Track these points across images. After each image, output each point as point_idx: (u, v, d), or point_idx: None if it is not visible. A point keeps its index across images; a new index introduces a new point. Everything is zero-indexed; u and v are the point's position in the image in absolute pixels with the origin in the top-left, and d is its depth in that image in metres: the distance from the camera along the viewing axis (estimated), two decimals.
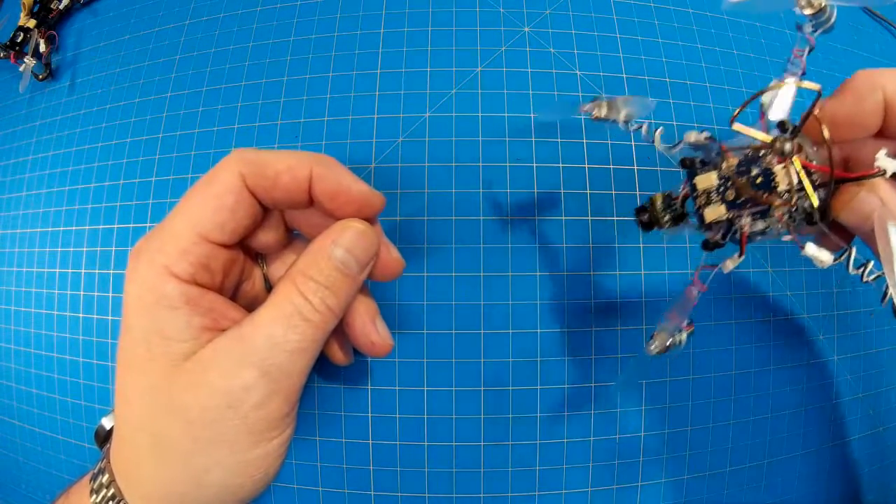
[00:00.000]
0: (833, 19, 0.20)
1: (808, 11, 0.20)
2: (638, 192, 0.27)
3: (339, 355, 0.23)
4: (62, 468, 0.30)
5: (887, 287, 0.17)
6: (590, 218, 0.27)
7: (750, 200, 0.19)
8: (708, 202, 0.20)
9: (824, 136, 0.18)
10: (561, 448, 0.26)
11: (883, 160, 0.17)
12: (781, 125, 0.20)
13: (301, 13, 0.31)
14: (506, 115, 0.28)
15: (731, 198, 0.19)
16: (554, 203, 0.27)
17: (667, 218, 0.21)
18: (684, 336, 0.21)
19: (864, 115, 0.18)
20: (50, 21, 0.35)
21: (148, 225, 0.29)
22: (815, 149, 0.19)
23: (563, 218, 0.27)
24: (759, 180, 0.19)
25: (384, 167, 0.28)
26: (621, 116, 0.22)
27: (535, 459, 0.26)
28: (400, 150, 0.28)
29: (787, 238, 0.20)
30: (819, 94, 0.18)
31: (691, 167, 0.20)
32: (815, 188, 0.18)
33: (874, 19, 0.35)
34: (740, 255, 0.20)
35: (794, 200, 0.19)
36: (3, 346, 0.32)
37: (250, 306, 0.22)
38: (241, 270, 0.22)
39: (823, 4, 0.19)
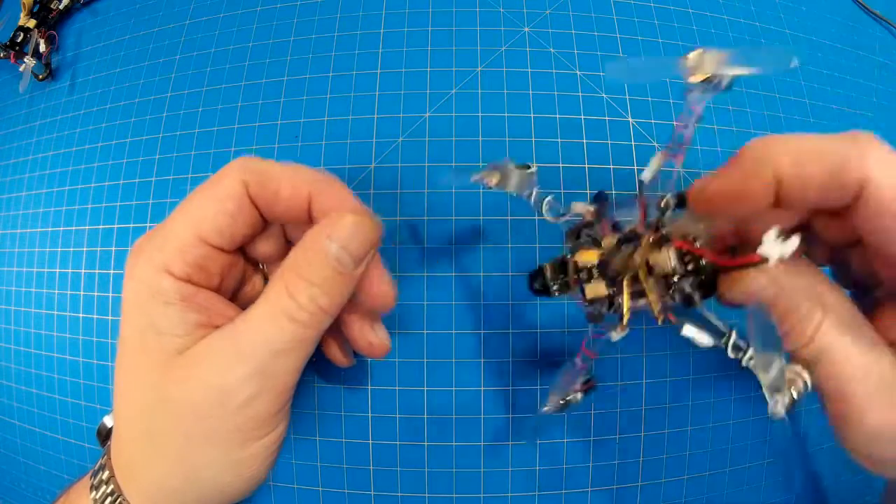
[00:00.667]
0: (725, 84, 0.17)
1: (695, 80, 0.17)
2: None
3: (339, 356, 0.23)
4: (62, 468, 0.30)
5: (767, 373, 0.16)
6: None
7: (628, 280, 0.19)
8: (589, 278, 0.20)
9: (707, 219, 0.17)
10: (561, 448, 0.26)
11: (768, 246, 0.15)
12: (661, 203, 0.19)
13: (301, 13, 0.31)
14: (506, 115, 0.28)
15: (611, 275, 0.19)
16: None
17: (555, 287, 0.21)
18: (579, 396, 0.21)
19: (753, 193, 0.16)
20: (50, 21, 0.35)
21: (148, 225, 0.29)
22: (702, 225, 0.19)
23: (564, 218, 0.27)
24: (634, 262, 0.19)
25: (384, 167, 0.28)
26: (511, 185, 0.21)
27: (535, 459, 0.26)
28: (400, 150, 0.28)
29: (662, 319, 0.19)
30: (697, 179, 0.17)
31: (574, 240, 0.20)
32: (695, 272, 0.18)
33: (874, 19, 0.35)
34: (623, 328, 0.20)
35: (670, 285, 0.19)
36: (3, 346, 0.32)
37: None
38: (241, 274, 0.22)
39: (714, 71, 0.17)
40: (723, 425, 0.27)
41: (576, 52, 0.30)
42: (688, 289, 0.18)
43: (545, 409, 0.21)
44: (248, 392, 0.18)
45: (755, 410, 0.27)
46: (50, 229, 0.31)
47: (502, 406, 0.26)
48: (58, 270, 0.30)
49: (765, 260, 0.15)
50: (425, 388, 0.26)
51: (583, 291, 0.20)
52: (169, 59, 0.32)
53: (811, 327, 0.16)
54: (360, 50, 0.30)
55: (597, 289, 0.19)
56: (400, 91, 0.29)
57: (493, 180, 0.21)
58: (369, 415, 0.26)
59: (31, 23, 0.34)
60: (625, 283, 0.19)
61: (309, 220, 0.20)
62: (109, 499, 0.19)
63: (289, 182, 0.19)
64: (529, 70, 0.29)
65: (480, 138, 0.28)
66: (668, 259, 0.18)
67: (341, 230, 0.18)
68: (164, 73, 0.32)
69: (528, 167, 0.22)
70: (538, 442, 0.26)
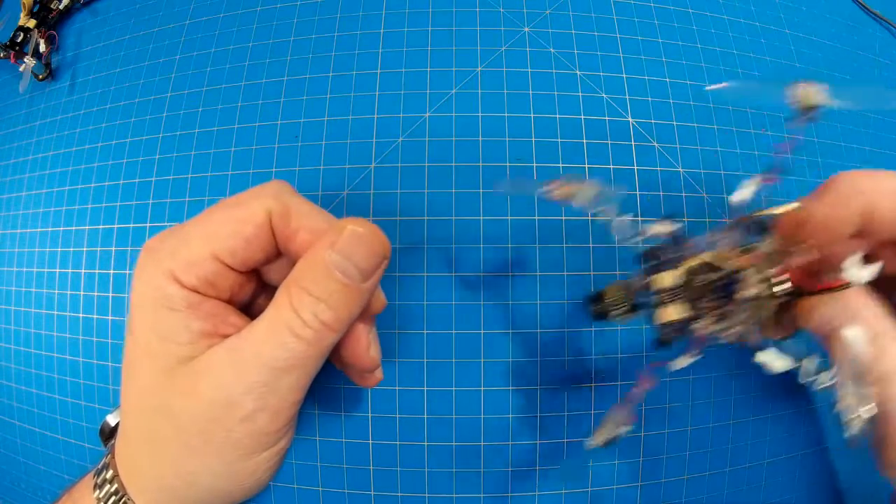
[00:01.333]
0: (817, 117, 0.19)
1: (802, 106, 0.18)
2: (638, 193, 0.27)
3: (360, 379, 0.23)
4: (62, 468, 0.30)
5: (842, 395, 0.17)
6: (589, 218, 0.27)
7: (708, 304, 0.19)
8: (666, 301, 0.19)
9: (809, 247, 0.17)
10: (561, 448, 0.26)
11: (852, 271, 0.16)
12: (755, 226, 0.19)
13: (301, 13, 0.31)
14: (506, 115, 0.28)
15: (688, 298, 0.19)
16: (554, 203, 0.27)
17: (616, 312, 0.20)
18: (625, 430, 0.20)
19: (844, 221, 0.18)
20: (50, 21, 0.35)
21: (148, 225, 0.29)
22: (778, 249, 0.19)
23: (563, 218, 0.27)
24: (720, 284, 0.19)
25: (384, 167, 0.28)
26: (585, 201, 0.20)
27: (535, 459, 0.26)
28: (400, 150, 0.28)
29: (742, 342, 0.19)
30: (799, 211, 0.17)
31: (651, 261, 0.20)
32: (779, 297, 0.18)
33: (874, 19, 0.35)
34: (696, 354, 0.19)
35: (755, 310, 0.18)
36: (3, 346, 0.32)
37: None
38: (253, 290, 0.22)
39: (821, 102, 0.18)
40: (723, 425, 0.27)
41: (576, 52, 0.30)
42: (768, 315, 0.18)
43: (594, 442, 0.20)
44: (248, 408, 0.17)
45: (755, 410, 0.27)
46: (50, 229, 0.31)
47: (503, 406, 0.26)
48: (58, 270, 0.30)
49: (849, 284, 0.16)
50: (425, 389, 0.26)
51: (655, 315, 0.19)
52: (169, 59, 0.32)
53: (876, 351, 0.17)
54: (360, 50, 0.30)
55: (672, 312, 0.19)
56: (400, 91, 0.29)
57: (566, 192, 0.20)
58: (369, 415, 0.26)
59: (31, 23, 0.34)
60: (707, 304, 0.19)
61: None
62: (113, 498, 0.19)
63: (310, 225, 0.19)
64: (529, 70, 0.29)
65: (480, 138, 0.28)
66: (756, 284, 0.18)
67: (344, 240, 0.17)
68: (164, 73, 0.32)
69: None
70: (539, 442, 0.26)
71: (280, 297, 0.18)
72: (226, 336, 0.18)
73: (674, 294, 0.19)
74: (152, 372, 0.18)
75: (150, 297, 0.18)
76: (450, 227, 0.27)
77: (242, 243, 0.19)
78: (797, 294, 0.18)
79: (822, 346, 0.19)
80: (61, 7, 0.35)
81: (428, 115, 0.28)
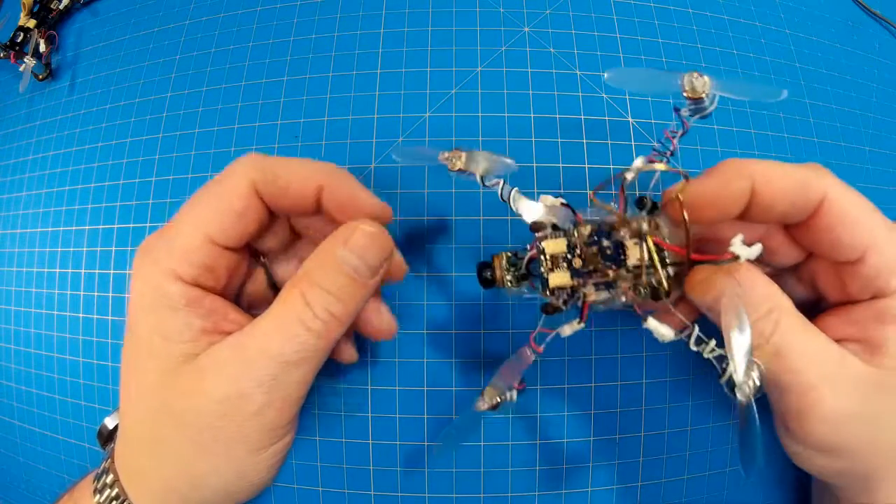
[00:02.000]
0: (710, 111, 0.20)
1: (689, 95, 0.19)
2: (637, 193, 0.27)
3: (344, 354, 0.23)
4: (62, 468, 0.30)
5: (725, 365, 0.18)
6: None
7: (596, 271, 0.19)
8: (554, 267, 0.20)
9: (683, 217, 0.18)
10: (561, 448, 0.26)
11: (738, 247, 0.17)
12: (640, 201, 0.20)
13: (301, 13, 0.31)
14: (506, 115, 0.28)
15: (577, 266, 0.20)
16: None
17: (509, 277, 0.21)
18: (514, 394, 0.21)
19: (729, 200, 0.18)
20: (50, 21, 0.35)
21: (148, 225, 0.29)
22: (670, 228, 0.19)
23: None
24: (608, 252, 0.20)
25: (384, 167, 0.28)
26: (479, 171, 0.21)
27: (535, 459, 0.26)
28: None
29: (628, 308, 0.20)
30: (686, 178, 0.18)
31: (541, 230, 0.20)
32: (665, 266, 0.19)
33: (874, 19, 0.35)
34: (580, 322, 0.20)
35: (642, 276, 0.19)
36: (3, 346, 0.32)
37: (253, 307, 0.22)
38: (245, 272, 0.22)
39: (706, 93, 0.19)
40: (723, 425, 0.27)
41: (576, 52, 0.30)
42: (657, 281, 0.19)
43: (480, 404, 0.20)
44: (257, 403, 0.17)
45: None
46: (50, 229, 0.31)
47: (503, 407, 0.26)
48: (58, 270, 0.30)
49: (736, 257, 0.17)
50: (425, 389, 0.26)
51: (545, 282, 0.20)
52: (169, 59, 0.32)
53: (770, 325, 0.18)
54: (360, 50, 0.30)
55: (562, 278, 0.20)
56: (400, 91, 0.29)
57: (459, 163, 0.21)
58: (369, 415, 0.26)
59: (31, 23, 0.34)
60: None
61: (318, 211, 0.20)
62: (115, 503, 0.19)
63: (298, 176, 0.19)
64: (529, 70, 0.29)
65: (480, 138, 0.28)
66: (643, 251, 0.19)
67: (358, 240, 0.18)
68: (164, 73, 0.32)
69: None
70: (539, 442, 0.26)
71: (289, 292, 0.18)
72: (227, 333, 0.18)
73: (562, 261, 0.20)
74: (156, 372, 0.18)
75: (150, 297, 0.18)
76: (450, 226, 0.27)
77: (234, 218, 0.19)
78: (681, 263, 0.19)
79: (713, 319, 0.19)
80: (61, 7, 0.35)
81: (428, 115, 0.28)
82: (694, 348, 0.19)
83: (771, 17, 0.33)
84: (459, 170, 0.21)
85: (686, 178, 0.18)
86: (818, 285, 0.21)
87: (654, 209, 0.20)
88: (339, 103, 0.29)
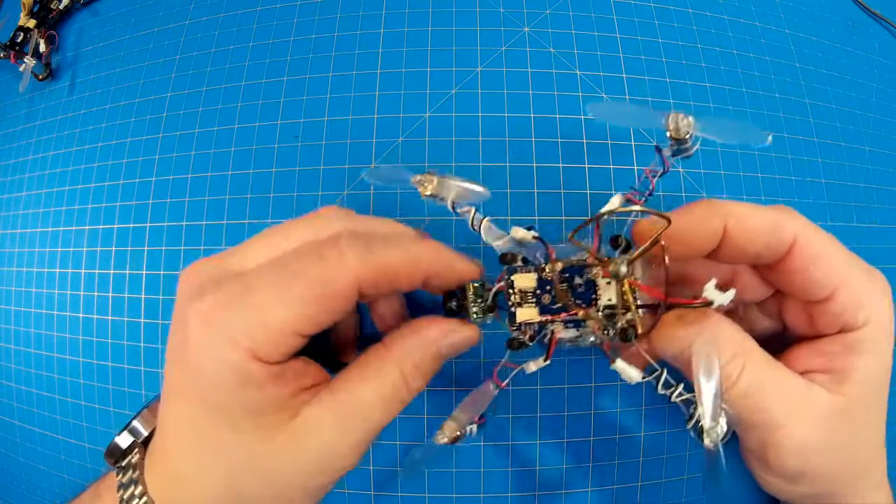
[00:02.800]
0: (693, 150, 0.20)
1: (672, 135, 0.19)
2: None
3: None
4: (62, 468, 0.30)
5: (693, 409, 0.18)
6: (590, 218, 0.27)
7: (565, 308, 0.19)
8: (522, 302, 0.20)
9: (664, 260, 0.18)
10: (561, 447, 0.26)
11: (711, 292, 0.17)
12: (615, 240, 0.20)
13: (301, 13, 0.31)
14: (506, 115, 0.28)
15: (546, 301, 0.20)
16: (554, 203, 0.27)
17: (475, 309, 0.21)
18: (475, 428, 0.21)
19: (701, 239, 0.19)
20: (50, 21, 0.35)
21: (148, 225, 0.29)
22: (643, 265, 0.20)
23: (563, 218, 0.27)
24: (580, 290, 0.20)
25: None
26: (450, 197, 0.21)
27: (535, 459, 0.26)
28: (400, 150, 0.28)
29: (596, 346, 0.20)
30: (668, 222, 0.18)
31: (511, 263, 0.20)
32: (637, 308, 0.19)
33: (874, 19, 0.35)
34: (546, 360, 0.20)
35: (615, 317, 0.19)
36: (3, 346, 0.32)
37: None
38: None
39: (688, 134, 0.19)
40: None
41: (576, 52, 0.30)
42: (627, 324, 0.19)
43: (440, 438, 0.20)
44: (349, 462, 0.19)
45: None
46: (50, 229, 0.31)
47: (503, 406, 0.26)
48: (58, 270, 0.30)
49: (710, 302, 0.17)
50: (425, 388, 0.26)
51: (512, 316, 0.20)
52: (169, 59, 0.32)
53: (737, 369, 0.19)
54: (360, 50, 0.30)
55: (530, 313, 0.20)
56: (400, 91, 0.29)
57: (429, 188, 0.20)
58: None
59: (31, 23, 0.34)
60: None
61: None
62: None
63: (407, 271, 0.18)
64: (529, 70, 0.29)
65: (480, 138, 0.28)
66: (619, 293, 0.19)
67: (458, 340, 0.20)
68: (164, 73, 0.32)
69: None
70: (539, 442, 0.26)
71: (389, 368, 0.19)
72: (307, 389, 0.19)
73: (531, 296, 0.20)
74: (244, 444, 0.18)
75: (229, 376, 0.17)
76: (450, 226, 0.27)
77: (329, 317, 0.18)
78: (656, 306, 0.19)
79: (677, 367, 0.20)
80: (61, 7, 0.35)
81: (428, 115, 0.28)
82: (661, 392, 0.20)
83: (771, 17, 0.33)
84: (430, 195, 0.21)
85: (668, 222, 0.18)
86: (785, 319, 0.22)
87: (627, 248, 0.20)
88: (339, 103, 0.29)
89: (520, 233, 0.20)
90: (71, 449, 0.30)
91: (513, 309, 0.20)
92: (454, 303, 0.21)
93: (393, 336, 0.20)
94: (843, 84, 0.32)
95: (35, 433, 0.31)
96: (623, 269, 0.18)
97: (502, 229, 0.21)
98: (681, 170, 0.28)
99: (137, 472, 0.20)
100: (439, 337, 0.20)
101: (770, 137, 0.19)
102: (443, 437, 0.20)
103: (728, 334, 0.19)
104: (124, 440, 0.23)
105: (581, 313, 0.19)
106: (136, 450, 0.22)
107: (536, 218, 0.27)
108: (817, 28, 0.33)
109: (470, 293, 0.21)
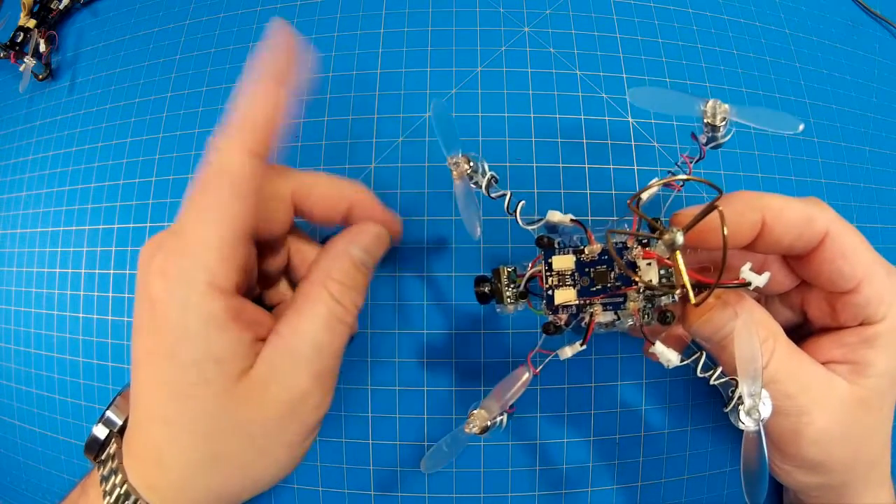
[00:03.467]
0: (725, 139, 0.20)
1: (707, 121, 0.19)
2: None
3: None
4: (62, 468, 0.30)
5: (732, 392, 0.18)
6: (589, 218, 0.27)
7: (604, 290, 0.19)
8: (560, 284, 0.19)
9: (723, 237, 0.17)
10: (561, 447, 0.26)
11: (748, 273, 0.17)
12: (652, 224, 0.19)
13: (301, 13, 0.31)
14: (506, 115, 0.28)
15: (584, 284, 0.19)
16: (554, 203, 0.27)
17: (509, 293, 0.20)
18: (505, 417, 0.20)
19: (742, 231, 0.19)
20: (50, 21, 0.35)
21: (148, 225, 0.29)
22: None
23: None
24: (618, 272, 0.19)
25: (384, 167, 0.28)
26: (484, 181, 0.21)
27: (535, 459, 0.26)
28: (400, 149, 0.28)
29: (635, 333, 0.20)
30: (720, 194, 0.17)
31: (549, 247, 0.20)
32: (671, 290, 0.18)
33: (874, 19, 0.35)
34: (583, 344, 0.20)
35: (655, 297, 0.19)
36: (3, 346, 0.32)
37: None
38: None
39: (724, 121, 0.19)
40: (722, 425, 0.27)
41: (576, 52, 0.30)
42: (666, 305, 0.19)
43: (471, 428, 0.19)
44: (316, 397, 0.19)
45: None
46: (50, 229, 0.31)
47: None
48: (58, 270, 0.30)
49: (748, 283, 0.17)
50: (425, 389, 0.26)
51: (550, 298, 0.19)
52: (169, 59, 0.32)
53: (766, 353, 0.19)
54: (360, 50, 0.30)
55: (568, 295, 0.19)
56: (400, 91, 0.29)
57: (463, 169, 0.20)
58: (369, 415, 0.26)
59: (31, 23, 0.34)
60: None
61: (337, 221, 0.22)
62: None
63: (331, 192, 0.21)
64: (529, 70, 0.29)
65: (480, 138, 0.28)
66: (655, 273, 0.19)
67: (367, 240, 0.21)
68: (164, 73, 0.32)
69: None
70: (539, 442, 0.26)
71: (314, 289, 0.19)
72: (262, 338, 0.19)
73: (569, 278, 0.19)
74: (211, 397, 0.18)
75: (194, 323, 0.17)
76: (449, 226, 0.27)
77: (252, 208, 0.18)
78: (694, 286, 0.19)
79: (710, 350, 0.20)
80: (61, 7, 0.35)
81: (428, 115, 0.28)
82: (701, 375, 0.19)
83: (771, 17, 0.33)
84: (465, 175, 0.21)
85: (719, 194, 0.18)
86: (808, 311, 0.23)
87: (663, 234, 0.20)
88: (339, 103, 0.29)
89: (556, 216, 0.20)
90: (71, 449, 0.30)
91: (550, 291, 0.20)
92: (486, 286, 0.21)
93: (310, 264, 0.21)
94: (843, 84, 0.32)
95: (35, 433, 0.31)
96: (680, 238, 0.17)
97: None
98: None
99: (116, 461, 0.20)
100: (347, 244, 0.20)
101: (801, 126, 0.19)
102: (473, 427, 0.20)
103: (762, 317, 0.20)
104: (101, 432, 0.23)
105: (617, 297, 0.19)
106: (113, 440, 0.21)
107: (536, 218, 0.27)
108: (817, 28, 0.33)
109: (504, 277, 0.21)
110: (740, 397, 0.17)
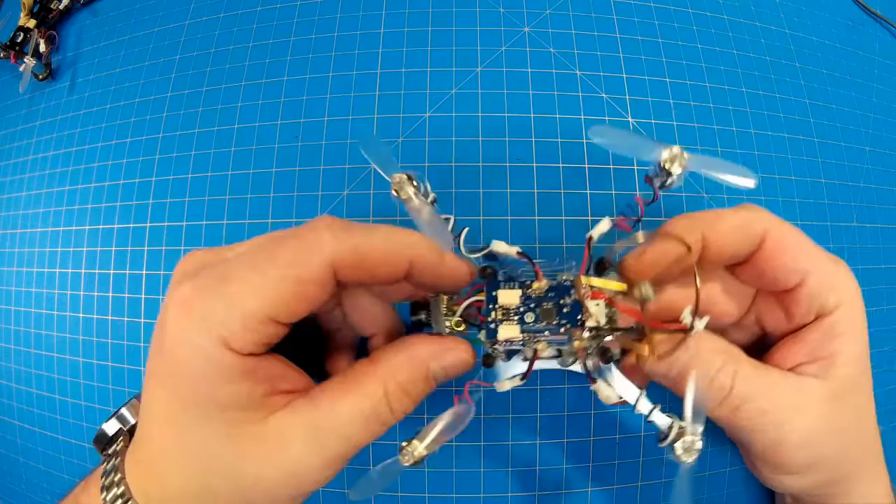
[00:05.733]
0: (677, 184, 0.20)
1: (665, 167, 0.19)
2: (638, 193, 0.27)
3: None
4: (62, 468, 0.30)
5: (669, 429, 0.19)
6: (590, 218, 0.27)
7: (546, 328, 0.19)
8: (504, 319, 0.19)
9: (696, 289, 0.19)
10: (561, 447, 0.26)
11: (688, 318, 0.18)
12: (599, 263, 0.20)
13: (301, 13, 0.31)
14: (506, 115, 0.28)
15: (529, 320, 0.19)
16: (554, 203, 0.27)
17: (448, 323, 0.20)
18: (438, 447, 0.19)
19: (688, 255, 0.19)
20: (50, 21, 0.35)
21: (148, 225, 0.29)
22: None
23: (563, 218, 0.27)
24: (565, 311, 0.19)
25: None
26: (427, 202, 0.19)
27: (535, 459, 0.26)
28: (400, 149, 0.28)
29: (576, 369, 0.20)
30: (688, 249, 0.18)
31: (492, 278, 0.20)
32: (614, 331, 0.19)
33: (874, 19, 0.35)
34: (523, 379, 0.20)
35: (600, 338, 0.19)
36: (3, 346, 0.32)
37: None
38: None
39: (683, 168, 0.19)
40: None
41: (576, 52, 0.30)
42: (610, 344, 0.19)
43: (404, 460, 0.18)
44: (321, 479, 0.18)
45: None
46: (50, 229, 0.31)
47: (503, 406, 0.26)
48: (58, 270, 0.30)
49: (691, 328, 0.18)
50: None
51: (492, 332, 0.19)
52: (169, 59, 0.32)
53: (728, 378, 0.19)
54: (360, 50, 0.30)
55: (511, 330, 0.19)
56: (400, 91, 0.29)
57: (406, 192, 0.19)
58: None
59: (31, 23, 0.34)
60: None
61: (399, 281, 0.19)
62: None
63: (386, 256, 0.18)
64: (529, 70, 0.29)
65: (480, 138, 0.28)
66: (601, 313, 0.19)
67: (452, 362, 0.19)
68: (164, 73, 0.32)
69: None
70: (539, 442, 0.26)
71: (371, 382, 0.18)
72: (285, 392, 0.18)
73: (513, 313, 0.19)
74: (212, 437, 0.17)
75: (201, 365, 0.16)
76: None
77: (305, 304, 0.17)
78: (637, 330, 0.20)
79: (672, 389, 0.21)
80: (61, 7, 0.35)
81: (428, 115, 0.28)
82: (639, 411, 0.20)
83: (771, 17, 0.33)
84: (403, 199, 0.19)
85: (688, 248, 0.19)
86: (764, 324, 0.23)
87: (602, 271, 0.20)
88: (339, 103, 0.29)
89: (502, 247, 0.20)
90: (71, 449, 0.30)
91: (493, 325, 0.19)
92: (423, 314, 0.20)
93: (381, 350, 0.19)
94: (843, 84, 0.32)
95: (35, 433, 0.31)
96: (651, 292, 0.18)
97: (491, 239, 0.21)
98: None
99: (119, 460, 0.20)
100: (430, 356, 0.19)
101: (755, 182, 0.20)
102: (408, 459, 0.18)
103: (714, 346, 0.20)
104: (112, 427, 0.23)
105: (568, 334, 0.19)
106: (122, 437, 0.21)
107: (536, 218, 0.27)
108: (817, 28, 0.33)
109: (443, 305, 0.20)
110: (681, 431, 0.18)
